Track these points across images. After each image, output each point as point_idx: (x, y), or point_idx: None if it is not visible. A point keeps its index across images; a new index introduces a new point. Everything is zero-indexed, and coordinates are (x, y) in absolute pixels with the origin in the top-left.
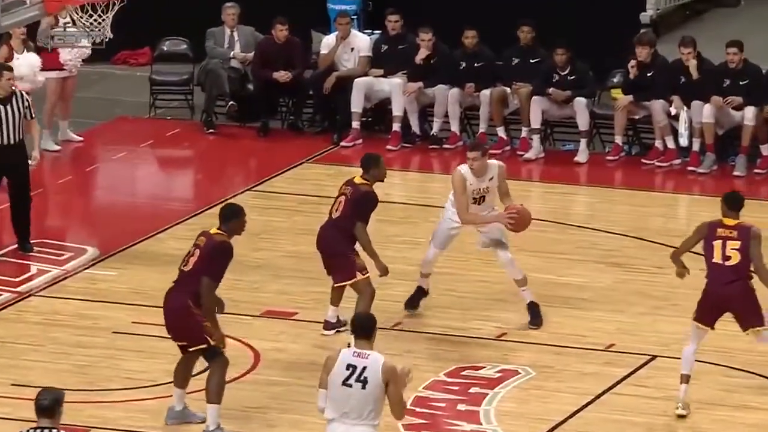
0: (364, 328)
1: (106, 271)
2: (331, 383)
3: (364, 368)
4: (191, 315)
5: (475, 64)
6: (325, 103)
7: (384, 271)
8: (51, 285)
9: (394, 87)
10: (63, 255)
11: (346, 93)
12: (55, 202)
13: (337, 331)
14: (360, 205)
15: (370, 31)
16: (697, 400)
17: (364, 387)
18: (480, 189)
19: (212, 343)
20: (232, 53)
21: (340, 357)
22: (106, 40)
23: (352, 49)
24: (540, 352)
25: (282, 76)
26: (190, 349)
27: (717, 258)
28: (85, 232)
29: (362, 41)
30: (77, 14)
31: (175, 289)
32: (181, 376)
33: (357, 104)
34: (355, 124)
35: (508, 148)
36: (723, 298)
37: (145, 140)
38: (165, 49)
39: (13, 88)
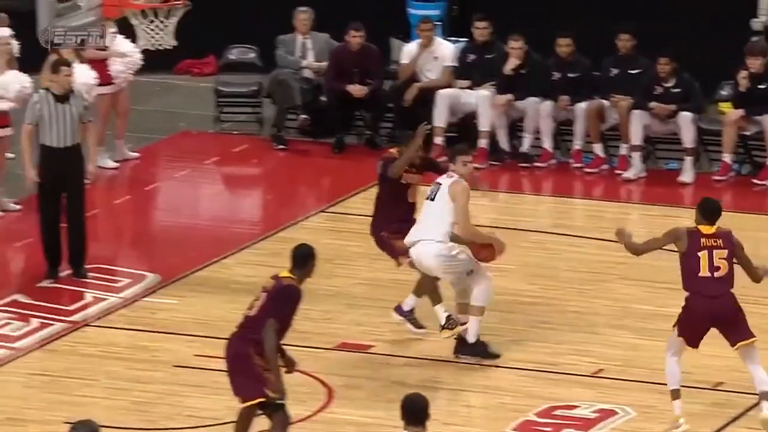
0: (415, 415)
1: (167, 299)
2: None
3: None
4: (251, 364)
5: (570, 75)
6: (405, 117)
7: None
8: (107, 314)
9: (482, 100)
10: (120, 282)
11: (429, 106)
12: (112, 225)
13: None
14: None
15: (455, 38)
16: None
17: None
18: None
19: (271, 396)
20: (304, 62)
21: None
22: (170, 47)
23: (436, 57)
24: (641, 390)
25: (357, 90)
26: (246, 404)
27: (704, 271)
28: (143, 257)
29: (447, 49)
30: (138, 20)
31: (237, 335)
32: (242, 428)
33: (440, 118)
34: (439, 140)
35: (605, 166)
36: (713, 314)
37: (210, 157)
38: (232, 57)
39: (72, 86)
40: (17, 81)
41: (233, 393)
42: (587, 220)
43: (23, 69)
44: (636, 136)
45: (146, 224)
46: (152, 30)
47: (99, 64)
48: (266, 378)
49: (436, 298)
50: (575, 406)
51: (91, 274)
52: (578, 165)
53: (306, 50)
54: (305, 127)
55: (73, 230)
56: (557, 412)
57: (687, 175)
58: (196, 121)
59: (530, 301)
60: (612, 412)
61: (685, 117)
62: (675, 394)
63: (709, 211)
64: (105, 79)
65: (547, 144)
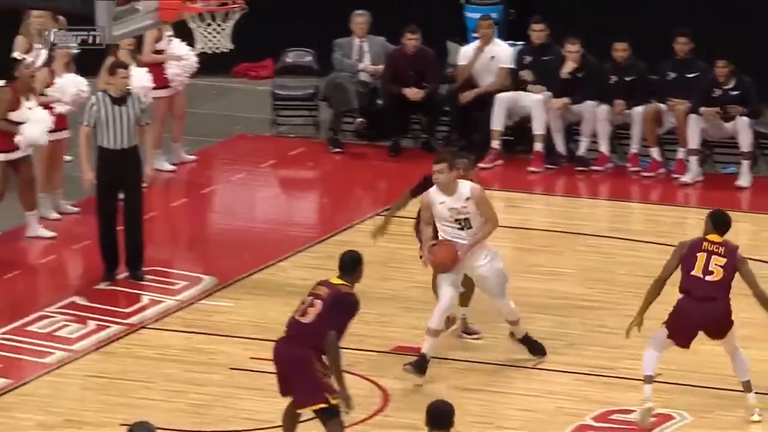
0: (440, 420)
1: (223, 301)
2: None
3: None
4: (313, 370)
5: (627, 79)
6: (462, 120)
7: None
8: (163, 317)
9: (536, 103)
10: (176, 284)
11: (486, 109)
12: (168, 227)
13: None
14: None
15: (512, 41)
16: None
17: None
18: (458, 209)
19: (332, 402)
20: (361, 66)
21: None
22: (227, 50)
23: (492, 58)
24: (698, 395)
25: (413, 93)
26: (302, 409)
27: (697, 271)
28: (200, 259)
29: (503, 51)
30: (195, 23)
31: (291, 341)
32: (290, 428)
33: (498, 122)
34: (495, 144)
35: (662, 170)
36: (699, 315)
37: (266, 160)
38: (288, 61)
39: (129, 88)
40: (74, 84)
41: (285, 394)
42: (644, 223)
43: (81, 72)
44: (693, 139)
45: (202, 227)
46: (209, 33)
47: (155, 68)
48: (327, 383)
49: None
50: (632, 411)
51: (147, 277)
52: (635, 169)
53: (363, 53)
54: (361, 130)
55: (130, 233)
56: (614, 417)
57: (744, 179)
58: (253, 125)
59: (587, 305)
60: (669, 417)
61: (743, 121)
62: (648, 379)
63: (719, 222)
64: (161, 82)
65: (604, 147)
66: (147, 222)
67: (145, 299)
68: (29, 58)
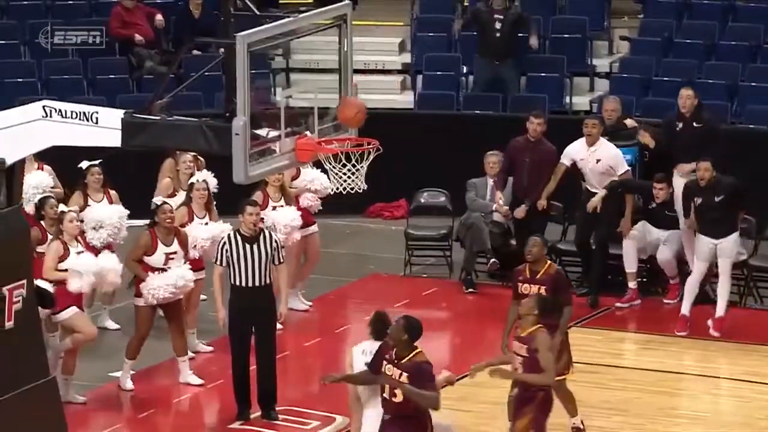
0: None
1: None
2: None
3: None
4: None
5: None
6: (590, 261)
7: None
8: None
9: (670, 238)
10: (309, 424)
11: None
12: (302, 366)
13: None
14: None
15: (648, 182)
16: None
17: None
18: None
19: None
20: (494, 206)
21: None
22: (361, 191)
23: (598, 160)
24: None
25: (498, 197)
26: None
27: None
28: (333, 399)
29: (609, 151)
30: (330, 164)
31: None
32: None
33: (631, 262)
34: (632, 284)
35: None
36: None
37: (400, 299)
38: (422, 201)
39: (261, 226)
40: (207, 232)
41: None
42: None
43: (222, 212)
44: None
45: (336, 366)
46: (344, 174)
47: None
48: None
49: None
50: None
51: (281, 416)
52: None
53: (495, 193)
54: (495, 271)
55: (263, 371)
56: None
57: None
58: (386, 264)
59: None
60: None
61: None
62: None
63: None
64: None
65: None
66: (280, 361)
67: None
68: (170, 202)
